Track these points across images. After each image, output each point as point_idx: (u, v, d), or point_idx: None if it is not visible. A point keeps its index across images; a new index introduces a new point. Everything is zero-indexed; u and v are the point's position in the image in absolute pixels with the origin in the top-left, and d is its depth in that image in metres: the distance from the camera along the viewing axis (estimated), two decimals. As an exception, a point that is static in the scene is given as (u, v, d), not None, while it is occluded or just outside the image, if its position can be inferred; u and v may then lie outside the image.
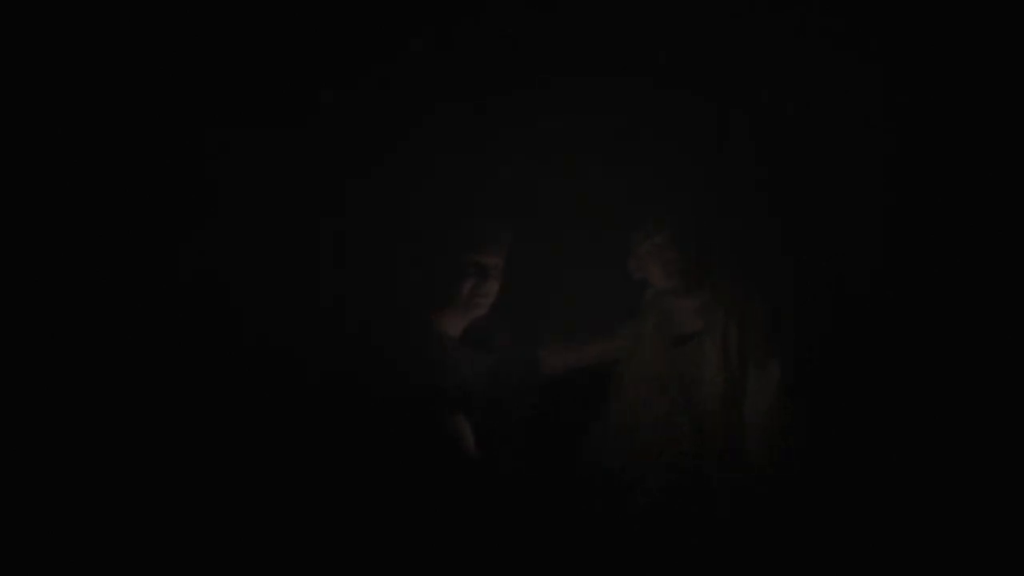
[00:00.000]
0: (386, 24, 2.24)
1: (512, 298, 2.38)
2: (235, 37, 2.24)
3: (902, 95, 2.35)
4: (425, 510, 2.10)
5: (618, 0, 2.21)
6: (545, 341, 2.48)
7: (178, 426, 2.17)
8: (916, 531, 2.19)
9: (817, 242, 2.41)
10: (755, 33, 2.27)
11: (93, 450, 2.13)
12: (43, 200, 2.16)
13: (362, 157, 2.37)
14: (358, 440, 2.14)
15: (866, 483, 2.23)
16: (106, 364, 2.16)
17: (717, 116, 2.43)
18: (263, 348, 2.24)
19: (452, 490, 2.12)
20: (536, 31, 2.18)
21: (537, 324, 2.51)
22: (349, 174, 2.36)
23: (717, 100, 2.41)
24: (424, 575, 2.08)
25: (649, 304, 2.49)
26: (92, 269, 2.17)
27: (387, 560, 2.08)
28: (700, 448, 2.31)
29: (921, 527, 2.19)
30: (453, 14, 2.13)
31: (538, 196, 2.48)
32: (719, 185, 2.42)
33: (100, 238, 2.19)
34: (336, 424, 2.17)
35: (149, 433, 2.15)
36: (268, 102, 2.30)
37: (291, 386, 2.22)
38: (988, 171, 2.33)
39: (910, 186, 2.38)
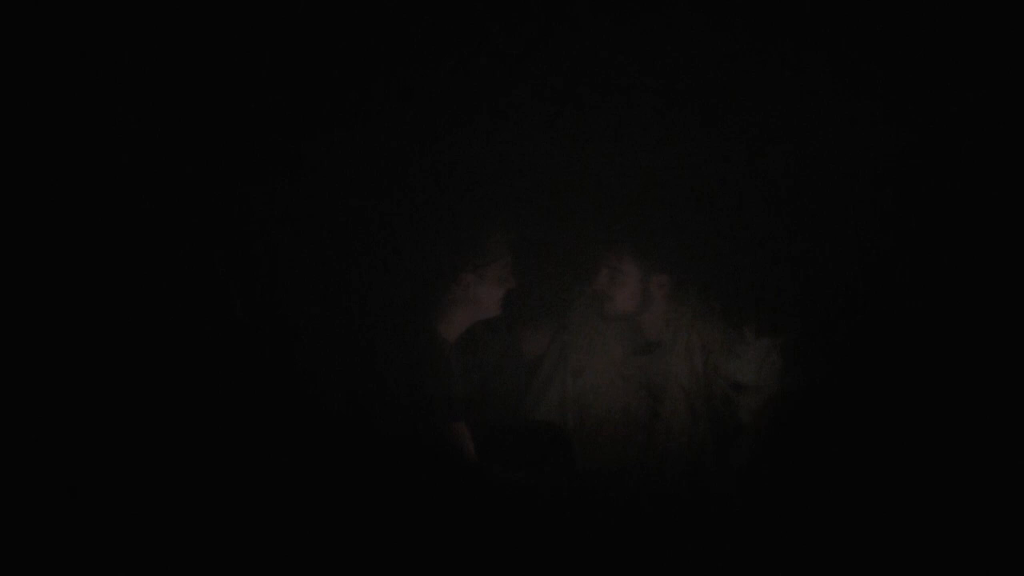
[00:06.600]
0: (389, 30, 2.23)
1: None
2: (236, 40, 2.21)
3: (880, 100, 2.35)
4: (424, 516, 2.12)
5: (617, 4, 2.20)
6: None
7: (174, 429, 2.17)
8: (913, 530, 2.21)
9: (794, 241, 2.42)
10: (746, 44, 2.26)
11: (93, 452, 2.14)
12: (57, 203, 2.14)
13: (360, 157, 2.37)
14: (358, 447, 2.16)
15: (861, 483, 2.25)
16: (109, 367, 2.16)
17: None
18: (260, 355, 2.24)
19: (451, 496, 2.14)
20: (538, 36, 2.18)
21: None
22: (347, 175, 2.35)
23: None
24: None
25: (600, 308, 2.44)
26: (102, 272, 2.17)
27: (387, 565, 2.10)
28: (662, 443, 2.36)
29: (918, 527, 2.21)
30: (465, 17, 2.12)
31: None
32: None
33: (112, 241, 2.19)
34: (336, 431, 2.18)
35: (148, 435, 2.16)
36: (267, 108, 2.29)
37: (291, 393, 2.22)
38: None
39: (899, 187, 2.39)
